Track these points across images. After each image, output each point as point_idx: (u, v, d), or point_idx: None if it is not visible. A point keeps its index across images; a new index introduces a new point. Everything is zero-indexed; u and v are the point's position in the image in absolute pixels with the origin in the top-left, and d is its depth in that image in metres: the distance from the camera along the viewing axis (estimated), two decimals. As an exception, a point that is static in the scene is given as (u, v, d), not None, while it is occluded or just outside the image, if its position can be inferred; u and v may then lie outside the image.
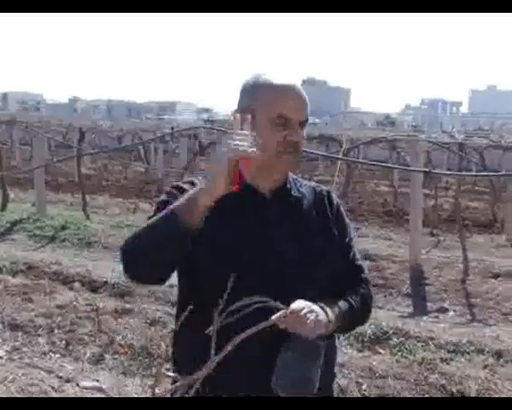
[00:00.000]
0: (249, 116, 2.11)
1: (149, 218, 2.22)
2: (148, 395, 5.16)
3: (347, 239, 2.37)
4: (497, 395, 5.28)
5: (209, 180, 2.00)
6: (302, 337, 2.04)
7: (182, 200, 2.05)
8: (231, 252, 2.16)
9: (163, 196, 2.28)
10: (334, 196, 2.42)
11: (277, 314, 1.99)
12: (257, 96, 2.20)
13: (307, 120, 2.23)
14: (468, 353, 6.10)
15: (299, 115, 2.18)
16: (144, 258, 2.13)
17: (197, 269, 2.18)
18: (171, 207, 2.06)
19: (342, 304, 2.24)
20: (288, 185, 2.31)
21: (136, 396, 5.24)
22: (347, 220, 2.42)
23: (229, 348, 1.80)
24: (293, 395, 2.09)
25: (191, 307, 2.00)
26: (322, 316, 2.09)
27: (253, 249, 2.17)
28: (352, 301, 2.28)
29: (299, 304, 2.03)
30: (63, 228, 11.74)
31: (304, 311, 2.03)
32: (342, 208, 2.42)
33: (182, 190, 2.22)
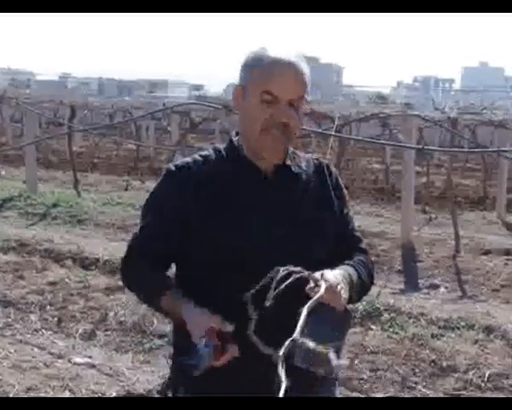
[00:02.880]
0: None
1: (143, 215, 2.28)
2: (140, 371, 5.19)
3: (346, 210, 2.35)
4: (486, 370, 5.34)
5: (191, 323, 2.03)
6: (332, 309, 1.97)
7: (170, 304, 2.11)
8: (235, 232, 2.13)
9: (163, 182, 2.27)
10: (332, 167, 2.39)
11: (319, 292, 1.92)
12: (249, 70, 2.15)
13: (302, 98, 2.14)
14: (459, 328, 6.14)
15: (287, 93, 2.09)
16: (130, 290, 2.38)
17: (196, 253, 2.17)
18: (160, 294, 2.13)
19: (352, 273, 2.19)
20: (288, 162, 2.25)
21: (127, 372, 5.28)
22: (345, 191, 2.39)
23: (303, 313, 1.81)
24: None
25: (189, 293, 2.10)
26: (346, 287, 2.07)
27: (253, 231, 2.14)
28: (360, 271, 2.25)
29: (332, 277, 1.98)
30: (54, 205, 11.74)
31: (339, 285, 1.99)
32: (340, 180, 2.38)
33: (183, 172, 2.22)
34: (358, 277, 2.20)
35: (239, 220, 2.15)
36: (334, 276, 2.00)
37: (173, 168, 2.25)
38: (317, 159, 2.39)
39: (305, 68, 2.14)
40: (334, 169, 2.39)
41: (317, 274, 1.95)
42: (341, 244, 2.25)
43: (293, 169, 2.26)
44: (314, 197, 2.26)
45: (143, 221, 2.25)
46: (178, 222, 2.16)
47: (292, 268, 1.91)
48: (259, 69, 2.12)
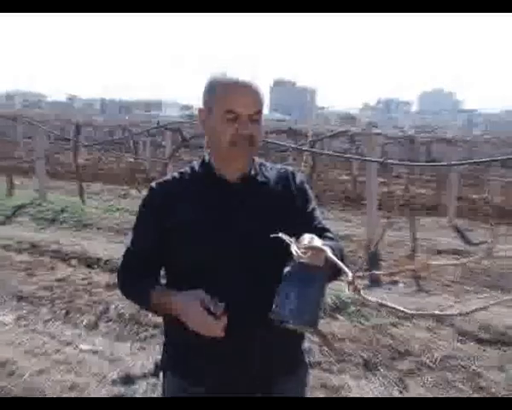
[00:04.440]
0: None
1: (135, 228, 2.32)
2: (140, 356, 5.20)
3: (312, 207, 2.33)
4: (436, 353, 5.40)
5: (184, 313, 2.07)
6: (309, 269, 1.92)
7: (162, 298, 2.15)
8: (206, 239, 2.15)
9: (147, 198, 2.31)
10: (298, 174, 2.37)
11: (306, 251, 1.91)
12: (212, 93, 2.16)
13: (259, 113, 2.15)
14: (414, 318, 6.20)
15: (247, 109, 2.11)
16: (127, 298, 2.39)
17: (178, 256, 2.18)
18: (151, 294, 2.18)
19: (332, 243, 2.15)
20: (253, 172, 2.27)
21: (125, 358, 5.30)
22: (311, 194, 2.37)
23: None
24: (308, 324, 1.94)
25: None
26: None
27: (224, 234, 2.15)
28: (336, 243, 2.22)
29: (312, 239, 1.96)
30: (62, 211, 11.74)
31: (318, 243, 1.96)
32: (306, 184, 2.36)
33: (162, 189, 2.28)
34: (337, 246, 2.17)
35: (210, 227, 2.17)
36: (312, 237, 1.98)
37: (154, 186, 2.30)
38: (283, 168, 2.38)
39: (259, 87, 2.15)
40: (299, 175, 2.37)
41: (306, 240, 1.95)
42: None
43: (258, 179, 2.27)
44: (278, 202, 2.25)
45: (131, 237, 2.31)
46: (158, 233, 2.21)
47: (282, 235, 1.94)
48: (221, 92, 2.13)
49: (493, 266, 8.35)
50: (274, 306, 1.93)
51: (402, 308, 1.91)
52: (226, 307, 2.01)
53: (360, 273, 1.91)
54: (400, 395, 4.75)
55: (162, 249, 2.20)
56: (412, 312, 1.81)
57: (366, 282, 7.47)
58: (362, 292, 1.80)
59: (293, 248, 1.93)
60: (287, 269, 1.95)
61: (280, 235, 1.95)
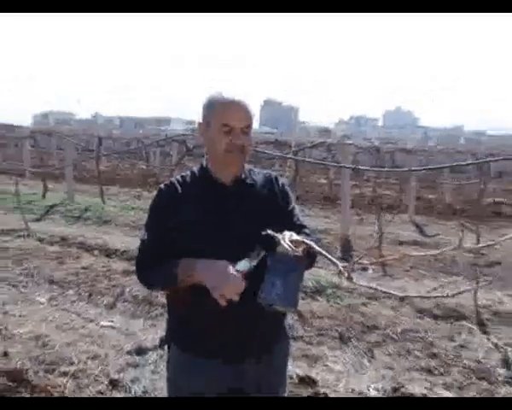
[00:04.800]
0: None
1: (147, 225, 2.26)
2: (151, 331, 5.17)
3: (292, 206, 2.34)
4: (399, 327, 5.41)
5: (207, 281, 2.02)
6: (290, 259, 1.97)
7: (184, 272, 2.08)
8: (203, 232, 2.14)
9: (156, 198, 2.28)
10: (281, 178, 2.38)
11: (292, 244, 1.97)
12: (210, 110, 2.18)
13: (249, 127, 2.18)
14: (381, 298, 6.20)
15: (240, 123, 2.14)
16: (147, 287, 2.36)
17: (180, 250, 2.14)
18: (177, 271, 2.09)
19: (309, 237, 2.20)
20: (243, 176, 2.28)
21: (139, 333, 5.28)
22: (291, 195, 2.38)
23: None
24: (288, 306, 2.00)
25: None
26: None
27: (218, 229, 2.15)
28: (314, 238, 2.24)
29: (291, 235, 2.02)
30: (86, 210, 11.74)
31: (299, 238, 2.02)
32: (287, 187, 2.38)
33: (168, 190, 2.25)
34: (315, 239, 2.19)
35: (207, 221, 2.16)
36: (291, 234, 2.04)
37: (162, 187, 2.29)
38: (268, 173, 2.39)
39: (250, 106, 2.18)
40: (281, 179, 2.39)
41: (287, 237, 2.00)
42: (291, 230, 2.17)
43: (248, 181, 2.28)
44: (264, 202, 2.26)
45: (144, 232, 2.26)
46: (163, 230, 2.18)
47: (271, 232, 1.99)
48: (219, 108, 2.15)
49: (446, 254, 8.35)
50: (261, 292, 1.96)
51: (392, 292, 1.92)
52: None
53: (350, 264, 1.95)
54: (369, 363, 4.75)
55: (170, 243, 2.17)
56: (401, 294, 1.83)
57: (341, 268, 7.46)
58: (354, 279, 1.85)
59: (286, 243, 1.96)
60: (272, 259, 1.99)
61: (269, 232, 1.99)
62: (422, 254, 7.47)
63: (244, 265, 1.99)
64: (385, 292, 1.86)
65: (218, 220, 2.17)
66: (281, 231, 2.04)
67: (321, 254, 1.94)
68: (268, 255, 1.99)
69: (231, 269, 1.98)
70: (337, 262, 1.85)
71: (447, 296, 1.88)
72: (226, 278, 1.96)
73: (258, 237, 2.03)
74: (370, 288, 1.84)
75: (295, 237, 2.01)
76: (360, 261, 2.13)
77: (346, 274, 1.83)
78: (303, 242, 2.00)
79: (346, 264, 1.89)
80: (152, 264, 2.18)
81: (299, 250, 1.98)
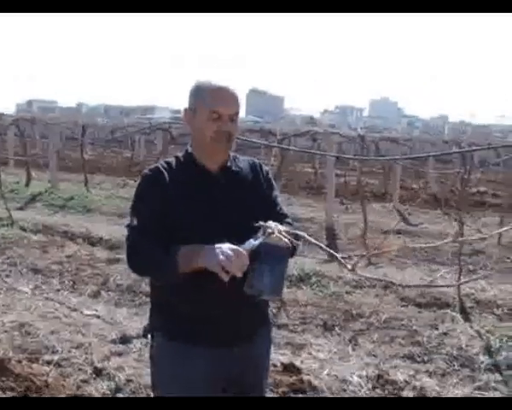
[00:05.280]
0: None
1: (134, 210, 2.19)
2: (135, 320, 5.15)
3: (274, 195, 2.35)
4: (382, 315, 5.44)
5: (206, 262, 1.99)
6: (280, 250, 2.00)
7: (185, 259, 2.02)
8: (190, 219, 2.13)
9: (141, 183, 2.23)
10: (264, 166, 2.39)
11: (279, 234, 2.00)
12: (197, 97, 2.18)
13: (237, 113, 2.19)
14: (365, 287, 6.23)
15: (228, 110, 2.14)
16: (141, 273, 2.33)
17: (164, 236, 2.10)
18: (176, 258, 2.03)
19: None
20: (229, 163, 2.28)
21: (123, 321, 5.27)
22: (274, 183, 2.39)
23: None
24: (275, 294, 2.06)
25: None
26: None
27: (205, 217, 2.14)
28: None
29: (276, 226, 2.04)
30: (70, 199, 11.74)
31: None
32: (270, 174, 2.39)
33: (154, 174, 2.21)
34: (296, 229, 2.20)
35: (195, 209, 2.15)
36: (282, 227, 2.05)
37: (146, 172, 2.24)
38: (251, 160, 2.40)
39: (238, 93, 2.19)
40: (265, 167, 2.40)
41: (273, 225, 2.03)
42: (273, 219, 2.15)
43: (232, 168, 2.28)
44: (248, 189, 2.27)
45: (133, 220, 2.18)
46: (155, 213, 2.14)
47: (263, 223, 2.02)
48: (207, 96, 2.15)
49: (427, 242, 8.39)
50: (252, 280, 1.99)
51: (394, 281, 1.95)
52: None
53: (358, 258, 1.99)
54: (353, 351, 4.78)
55: (159, 227, 2.13)
56: (402, 284, 1.85)
57: (325, 257, 7.49)
58: (358, 271, 1.90)
59: (281, 235, 2.00)
60: (266, 249, 2.00)
61: (262, 223, 2.02)
62: (423, 245, 7.47)
63: (248, 245, 1.99)
64: (389, 282, 1.88)
65: (204, 208, 2.16)
66: (265, 219, 2.06)
67: (322, 248, 1.96)
68: (262, 245, 2.00)
69: (235, 247, 1.98)
70: (336, 255, 1.87)
71: (449, 286, 1.89)
72: (234, 252, 1.95)
73: (245, 225, 2.05)
74: (374, 279, 1.87)
75: (286, 228, 2.05)
76: (358, 254, 2.17)
77: (350, 267, 1.86)
78: (298, 234, 2.04)
79: (346, 256, 1.93)
80: (146, 248, 2.11)
81: (288, 242, 2.01)
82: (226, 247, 1.97)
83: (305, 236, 2.04)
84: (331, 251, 1.93)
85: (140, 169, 15.74)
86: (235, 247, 1.97)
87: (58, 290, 6.11)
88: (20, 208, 10.84)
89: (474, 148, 10.64)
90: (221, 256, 1.95)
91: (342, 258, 1.92)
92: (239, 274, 1.95)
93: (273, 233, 2.00)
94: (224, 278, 1.94)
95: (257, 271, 1.97)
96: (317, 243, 2.01)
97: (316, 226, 9.56)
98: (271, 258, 1.98)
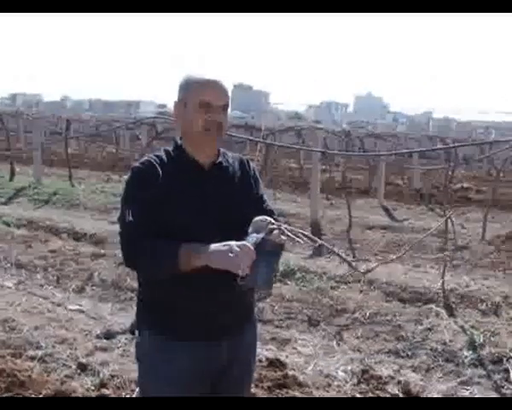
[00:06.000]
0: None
1: (127, 201, 2.14)
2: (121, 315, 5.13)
3: (261, 192, 2.36)
4: (367, 311, 5.46)
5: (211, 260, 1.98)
6: (278, 245, 2.06)
7: (186, 258, 2.00)
8: (186, 211, 2.11)
9: (132, 176, 2.19)
10: (251, 162, 2.40)
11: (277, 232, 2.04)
12: (187, 89, 2.17)
13: (227, 105, 2.20)
14: (350, 282, 6.25)
15: (218, 101, 2.15)
16: (139, 269, 2.22)
17: (163, 225, 2.09)
18: (176, 253, 2.00)
19: None
20: (220, 159, 2.26)
21: (108, 317, 5.24)
22: (260, 180, 2.41)
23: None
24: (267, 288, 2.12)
25: None
26: None
27: (197, 212, 2.13)
28: None
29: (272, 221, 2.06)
30: (54, 194, 11.63)
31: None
32: (257, 171, 2.40)
33: (146, 168, 2.17)
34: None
35: (188, 203, 2.13)
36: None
37: (138, 166, 2.20)
38: (239, 156, 2.40)
39: (227, 86, 2.21)
40: (252, 163, 2.40)
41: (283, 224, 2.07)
42: (261, 215, 2.14)
43: (223, 164, 2.27)
44: (238, 185, 2.27)
45: (126, 214, 2.12)
46: (150, 206, 2.10)
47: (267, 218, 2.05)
48: (197, 87, 2.15)
49: (412, 238, 8.44)
50: (245, 275, 1.98)
51: (355, 266, 1.96)
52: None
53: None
54: (337, 346, 4.79)
55: (153, 218, 2.10)
56: (360, 270, 1.86)
57: (310, 252, 7.50)
58: (361, 270, 1.93)
59: (286, 231, 2.05)
60: (265, 244, 2.02)
61: (267, 218, 2.06)
62: (422, 238, 7.47)
63: (252, 239, 2.00)
64: (350, 265, 1.89)
65: (197, 203, 2.15)
66: (253, 216, 2.08)
67: (330, 250, 2.01)
68: (264, 240, 2.02)
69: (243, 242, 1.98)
70: (348, 261, 1.91)
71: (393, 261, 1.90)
72: (242, 249, 1.94)
73: (234, 221, 2.06)
74: (337, 255, 1.89)
75: (289, 227, 2.09)
76: (365, 258, 2.21)
77: (362, 270, 1.90)
78: (302, 233, 2.09)
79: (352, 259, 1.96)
80: (145, 245, 2.07)
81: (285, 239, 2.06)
82: (233, 244, 1.96)
83: (324, 243, 2.08)
84: (344, 256, 1.96)
85: (125, 164, 15.75)
86: (241, 243, 1.97)
87: (42, 286, 6.06)
88: (4, 203, 10.78)
89: (458, 144, 10.70)
90: (232, 254, 1.94)
91: (353, 261, 1.95)
92: (247, 270, 1.95)
93: (279, 230, 2.04)
94: (241, 273, 1.94)
95: (254, 264, 1.98)
96: (328, 245, 2.05)
97: (301, 222, 9.56)
98: (268, 253, 2.02)
